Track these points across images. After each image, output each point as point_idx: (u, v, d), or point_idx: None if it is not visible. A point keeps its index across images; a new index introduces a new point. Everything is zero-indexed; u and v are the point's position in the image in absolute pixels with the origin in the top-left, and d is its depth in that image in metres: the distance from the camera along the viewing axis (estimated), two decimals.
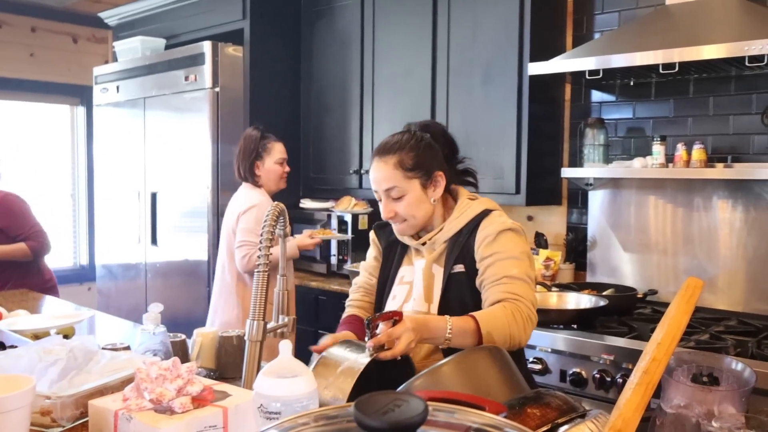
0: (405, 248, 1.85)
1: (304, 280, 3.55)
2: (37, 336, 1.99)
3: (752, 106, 2.72)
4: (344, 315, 1.89)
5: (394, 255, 1.87)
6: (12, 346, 1.77)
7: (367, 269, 1.96)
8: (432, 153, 1.74)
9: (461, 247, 1.71)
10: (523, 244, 1.72)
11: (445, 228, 1.75)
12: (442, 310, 1.69)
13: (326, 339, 1.57)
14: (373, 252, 1.96)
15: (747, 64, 2.41)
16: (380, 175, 1.71)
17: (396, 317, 1.45)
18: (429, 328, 1.48)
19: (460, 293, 1.70)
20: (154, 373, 1.10)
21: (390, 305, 1.80)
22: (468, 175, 1.91)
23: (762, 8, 2.49)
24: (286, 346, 1.04)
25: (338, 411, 0.68)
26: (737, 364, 1.08)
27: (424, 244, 1.78)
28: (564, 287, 2.91)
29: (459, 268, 1.71)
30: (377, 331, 1.43)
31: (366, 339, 1.44)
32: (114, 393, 1.23)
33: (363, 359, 1.38)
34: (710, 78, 2.80)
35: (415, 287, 1.77)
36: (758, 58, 2.32)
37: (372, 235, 1.96)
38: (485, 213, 1.74)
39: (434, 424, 0.66)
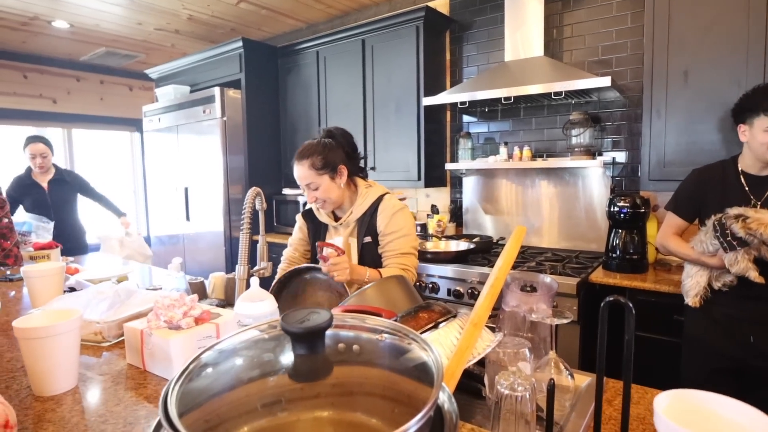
0: (326, 226, 1.69)
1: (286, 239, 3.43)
2: (100, 282, 1.85)
3: (557, 123, 2.75)
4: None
5: (319, 232, 1.70)
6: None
7: (292, 245, 1.74)
8: (334, 152, 1.54)
9: (367, 224, 1.58)
10: (410, 218, 1.59)
11: (353, 211, 1.59)
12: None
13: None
14: (298, 234, 1.74)
15: (553, 97, 2.43)
16: (299, 174, 1.53)
17: (340, 252, 1.37)
18: (356, 271, 1.42)
19: (370, 256, 1.58)
20: (167, 303, 1.01)
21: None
22: (362, 170, 1.69)
23: (560, 63, 2.50)
24: (255, 281, 0.96)
25: (278, 322, 0.62)
26: (546, 278, 1.06)
27: (341, 224, 1.63)
28: (449, 237, 2.92)
29: (367, 239, 1.58)
30: (324, 254, 1.35)
31: (319, 258, 1.37)
32: (143, 318, 1.13)
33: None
34: (532, 106, 2.82)
35: None
36: (558, 93, 2.34)
37: (300, 219, 1.74)
38: (380, 198, 1.59)
39: (343, 326, 0.60)
